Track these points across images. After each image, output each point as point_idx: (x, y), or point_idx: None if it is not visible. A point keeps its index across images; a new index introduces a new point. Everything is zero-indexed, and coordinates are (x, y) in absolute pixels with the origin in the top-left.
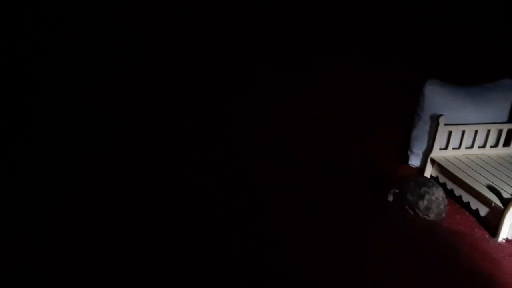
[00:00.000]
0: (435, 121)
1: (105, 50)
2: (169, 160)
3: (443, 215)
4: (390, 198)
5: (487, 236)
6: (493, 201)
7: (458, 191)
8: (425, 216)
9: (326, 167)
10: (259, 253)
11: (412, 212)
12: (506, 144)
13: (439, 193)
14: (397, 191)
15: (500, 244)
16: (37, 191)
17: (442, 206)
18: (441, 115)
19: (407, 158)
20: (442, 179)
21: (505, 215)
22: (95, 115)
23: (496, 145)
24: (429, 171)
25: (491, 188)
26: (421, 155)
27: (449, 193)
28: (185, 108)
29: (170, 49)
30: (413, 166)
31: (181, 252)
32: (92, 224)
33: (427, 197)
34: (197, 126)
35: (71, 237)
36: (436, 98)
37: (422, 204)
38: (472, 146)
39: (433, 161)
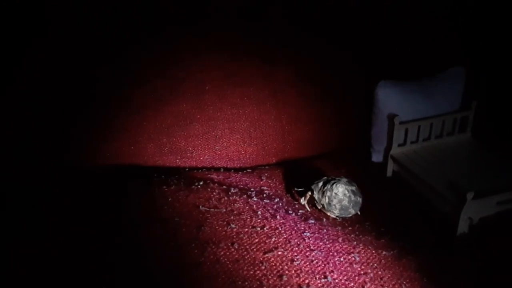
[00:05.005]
0: (391, 121)
1: None
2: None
3: (351, 211)
4: (303, 201)
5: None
6: (449, 197)
7: (418, 187)
8: (330, 214)
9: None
10: None
11: (319, 211)
12: (462, 130)
13: (338, 189)
14: (309, 193)
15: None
16: None
17: (345, 202)
18: (396, 115)
19: (369, 155)
20: (404, 175)
21: (461, 211)
22: None
23: (452, 133)
24: (390, 168)
25: (448, 184)
26: (382, 152)
27: (411, 189)
28: None
29: None
30: (376, 162)
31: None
32: None
33: (327, 194)
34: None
35: None
36: (390, 98)
37: (325, 201)
38: (429, 138)
39: (393, 158)
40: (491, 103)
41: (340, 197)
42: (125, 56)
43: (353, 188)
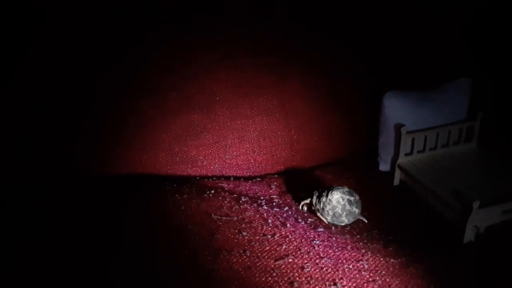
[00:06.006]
0: (398, 130)
1: None
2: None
3: (344, 219)
4: (304, 207)
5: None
6: (455, 206)
7: (425, 196)
8: (324, 219)
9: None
10: None
11: (318, 217)
12: (468, 140)
13: (333, 196)
14: (308, 200)
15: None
16: None
17: (338, 210)
18: (403, 125)
19: (377, 164)
20: (410, 184)
21: (467, 219)
22: None
23: (458, 142)
24: (398, 177)
25: (455, 193)
26: (390, 161)
27: (417, 198)
28: None
29: None
30: (383, 171)
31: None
32: None
33: (323, 199)
34: None
35: None
36: (397, 108)
37: (319, 206)
38: (436, 147)
39: (400, 167)
40: (497, 113)
41: (333, 204)
42: (137, 66)
43: (352, 198)
